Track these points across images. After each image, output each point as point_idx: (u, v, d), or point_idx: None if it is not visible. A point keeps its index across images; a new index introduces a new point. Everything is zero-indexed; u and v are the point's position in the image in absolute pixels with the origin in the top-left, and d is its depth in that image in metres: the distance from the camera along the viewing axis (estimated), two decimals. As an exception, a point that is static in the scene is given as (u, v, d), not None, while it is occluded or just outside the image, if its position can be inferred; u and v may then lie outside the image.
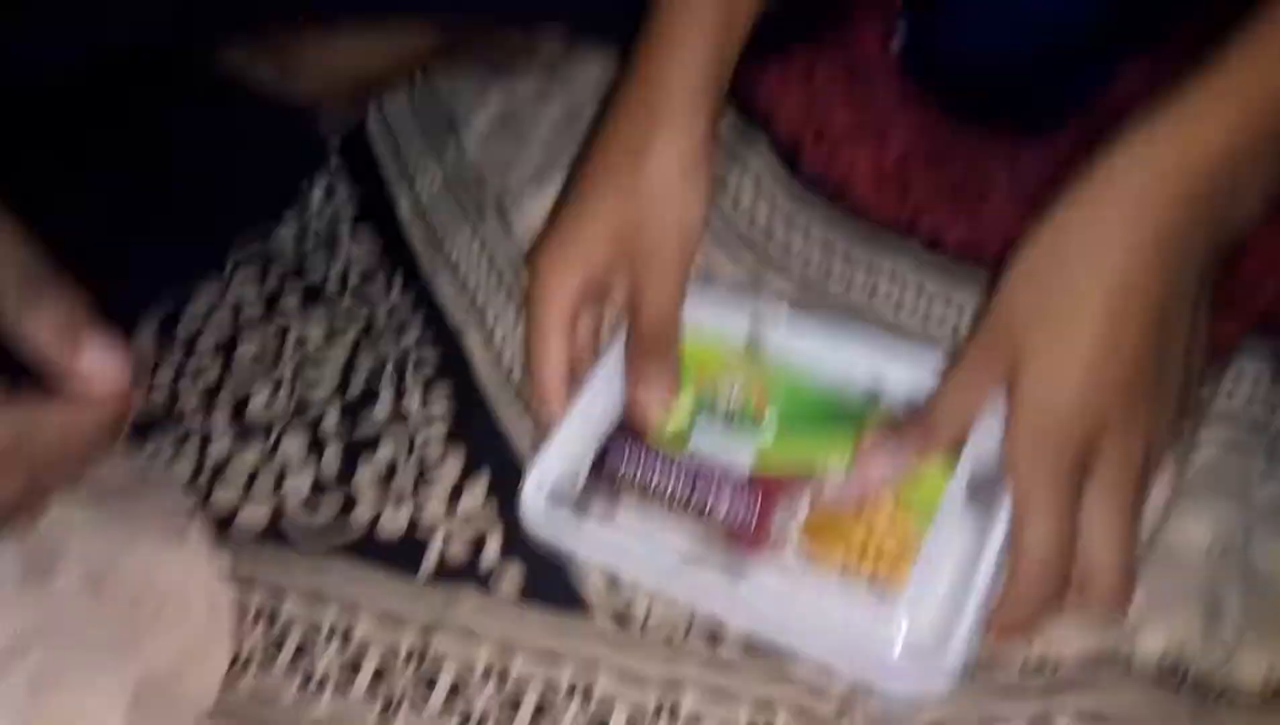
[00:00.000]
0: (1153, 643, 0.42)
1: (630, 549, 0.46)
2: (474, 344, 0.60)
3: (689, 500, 0.46)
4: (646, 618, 0.47)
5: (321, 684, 0.47)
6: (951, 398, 0.43)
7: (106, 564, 0.45)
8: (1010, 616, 0.41)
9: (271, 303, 0.64)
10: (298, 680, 0.48)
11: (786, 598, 0.42)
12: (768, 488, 0.45)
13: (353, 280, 0.65)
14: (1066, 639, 0.43)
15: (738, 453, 0.46)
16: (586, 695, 0.46)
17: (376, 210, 0.69)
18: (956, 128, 0.63)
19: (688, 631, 0.47)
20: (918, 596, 0.40)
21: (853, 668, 0.42)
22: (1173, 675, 0.41)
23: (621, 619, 0.48)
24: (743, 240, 0.62)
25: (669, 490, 0.46)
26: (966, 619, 0.40)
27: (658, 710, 0.44)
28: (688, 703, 0.44)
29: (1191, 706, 0.40)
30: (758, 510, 0.44)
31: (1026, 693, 0.42)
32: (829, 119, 0.64)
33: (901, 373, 0.47)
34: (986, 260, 0.56)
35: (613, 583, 0.48)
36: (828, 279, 0.60)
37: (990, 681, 0.42)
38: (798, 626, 0.43)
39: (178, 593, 0.46)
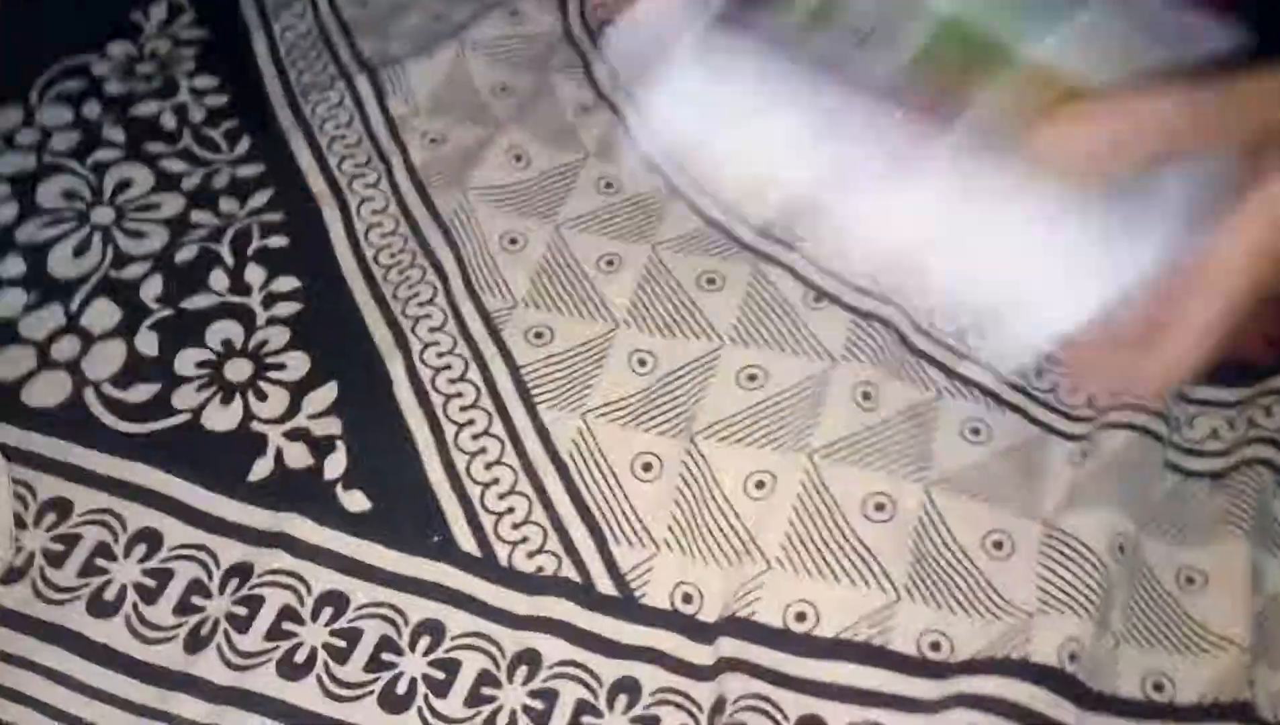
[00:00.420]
0: (1049, 641, 0.40)
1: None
2: (332, 220, 0.52)
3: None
4: (511, 554, 0.42)
5: (118, 600, 0.40)
6: None
7: None
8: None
9: (90, 134, 0.54)
10: (88, 594, 0.40)
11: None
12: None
13: (194, 119, 0.55)
14: (967, 638, 0.41)
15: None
16: (436, 636, 0.40)
17: (226, 44, 0.59)
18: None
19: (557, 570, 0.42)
20: None
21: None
22: (1061, 673, 0.40)
23: (485, 551, 0.42)
24: None
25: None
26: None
27: (517, 658, 0.40)
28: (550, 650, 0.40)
29: (1079, 707, 0.39)
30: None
31: (925, 670, 0.40)
32: None
33: None
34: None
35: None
36: None
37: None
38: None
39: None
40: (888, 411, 0.46)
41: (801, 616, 0.41)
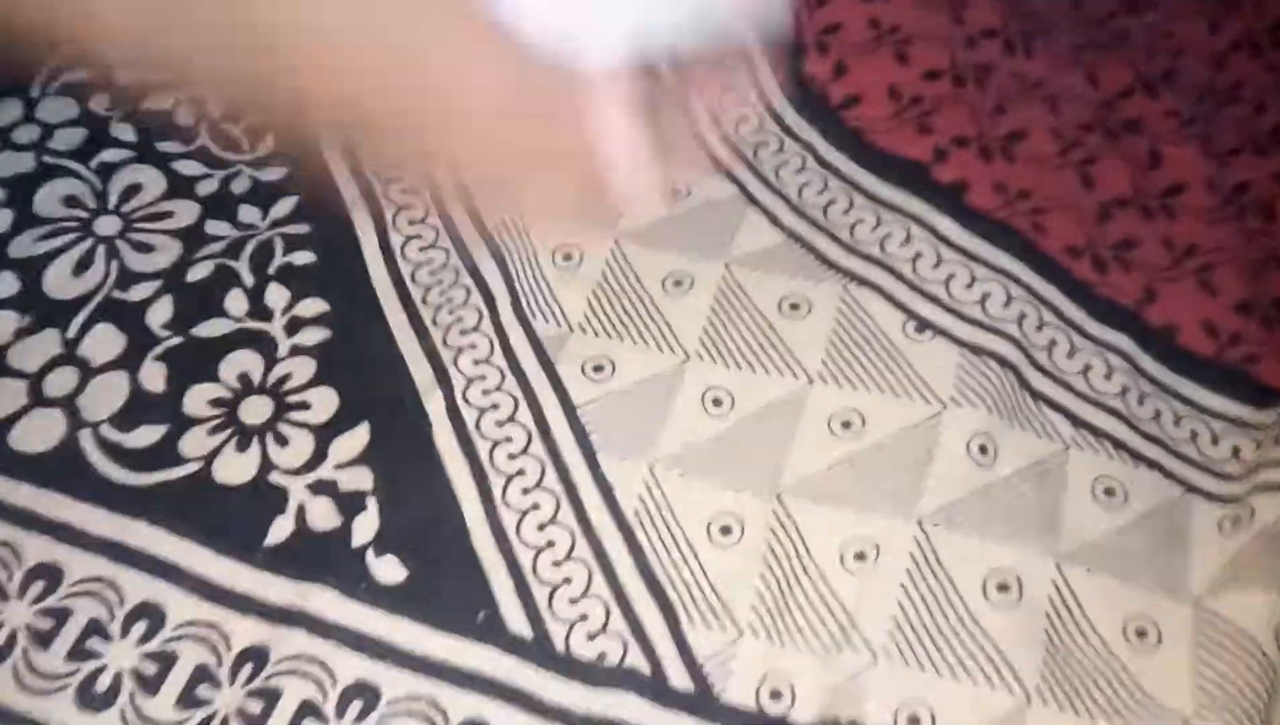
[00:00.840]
0: None
1: None
2: (365, 231, 0.46)
3: None
4: (568, 635, 0.36)
5: (112, 691, 0.34)
6: None
7: None
8: None
9: (96, 132, 0.48)
10: (77, 682, 0.35)
11: None
12: None
13: (211, 113, 0.49)
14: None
15: None
16: (478, 736, 0.34)
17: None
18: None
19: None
20: None
21: None
22: None
23: (538, 631, 0.36)
24: None
25: None
26: None
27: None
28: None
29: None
30: None
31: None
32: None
33: None
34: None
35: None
36: None
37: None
38: None
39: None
40: (1008, 468, 0.40)
41: (915, 720, 0.35)
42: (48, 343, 0.41)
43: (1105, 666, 0.36)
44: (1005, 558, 0.37)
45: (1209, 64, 0.56)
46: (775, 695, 0.35)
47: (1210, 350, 0.45)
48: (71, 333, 0.41)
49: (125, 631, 0.35)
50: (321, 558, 0.37)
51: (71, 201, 0.46)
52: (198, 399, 0.40)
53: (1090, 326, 0.45)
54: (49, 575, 0.36)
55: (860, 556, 0.37)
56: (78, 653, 0.35)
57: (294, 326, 0.43)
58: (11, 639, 0.35)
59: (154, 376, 0.41)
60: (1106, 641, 0.36)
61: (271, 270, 0.44)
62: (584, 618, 0.37)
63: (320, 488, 0.38)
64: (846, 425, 0.41)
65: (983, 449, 0.40)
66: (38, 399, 0.40)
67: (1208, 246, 0.48)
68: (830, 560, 0.38)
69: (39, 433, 0.39)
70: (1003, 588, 0.37)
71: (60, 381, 0.40)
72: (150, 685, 0.35)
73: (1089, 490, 0.40)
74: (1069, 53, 0.55)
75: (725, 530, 0.38)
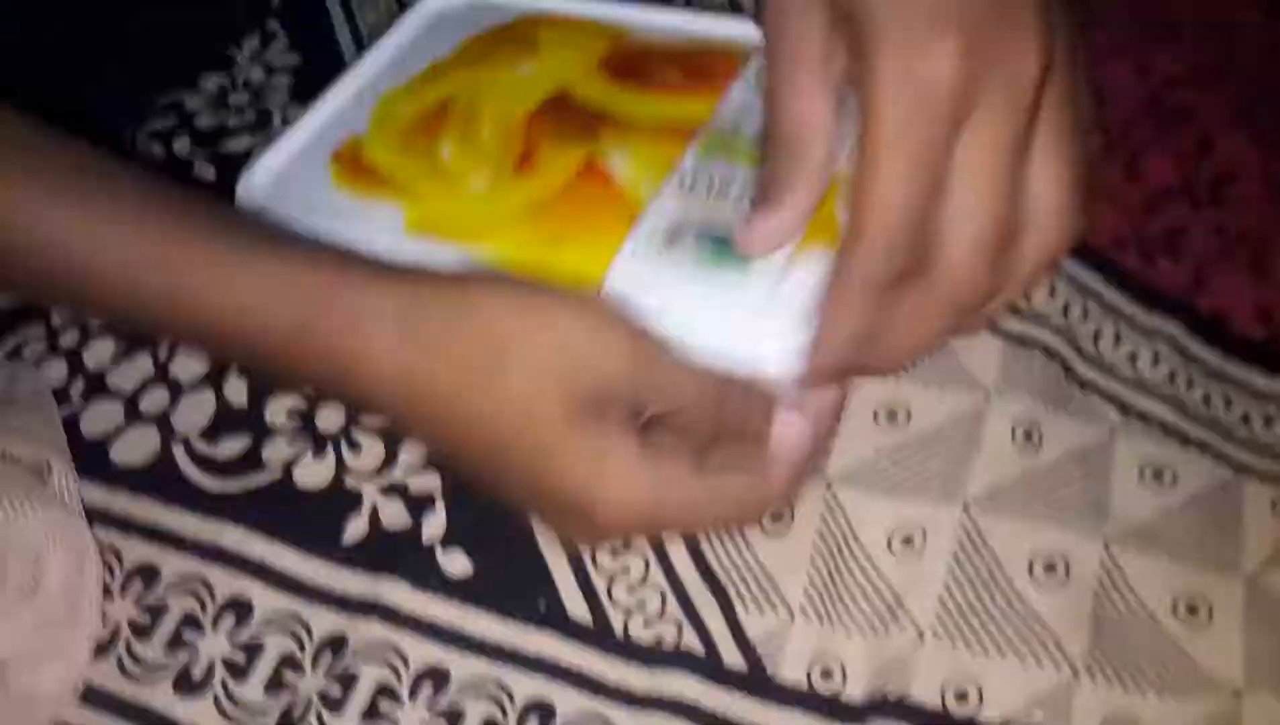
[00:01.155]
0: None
1: None
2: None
3: None
4: (626, 622, 0.38)
5: (206, 678, 0.37)
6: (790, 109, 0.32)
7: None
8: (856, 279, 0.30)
9: (180, 172, 0.52)
10: (175, 670, 0.37)
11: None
12: None
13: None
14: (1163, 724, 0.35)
15: None
16: (545, 717, 0.36)
17: (319, 70, 0.56)
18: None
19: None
20: None
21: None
22: None
23: (598, 619, 0.38)
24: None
25: None
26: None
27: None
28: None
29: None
30: None
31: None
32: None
33: None
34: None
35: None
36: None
37: None
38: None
39: (29, 557, 0.35)
40: (1054, 453, 0.40)
41: (963, 696, 0.36)
42: (141, 365, 0.45)
43: (1155, 642, 0.36)
44: (1052, 539, 0.38)
45: (1262, 53, 0.56)
46: (826, 674, 0.36)
47: (1262, 334, 0.45)
48: (162, 355, 0.45)
49: (216, 624, 0.38)
50: (394, 553, 0.39)
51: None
52: (277, 410, 0.43)
53: (1138, 315, 0.45)
54: (147, 575, 0.39)
55: (907, 541, 0.39)
56: (175, 642, 0.38)
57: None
58: (115, 632, 0.38)
59: (237, 391, 0.44)
60: (1156, 618, 0.37)
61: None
62: (641, 605, 0.38)
63: (392, 489, 0.41)
64: (892, 416, 0.42)
65: (1028, 435, 0.41)
66: (134, 416, 0.43)
67: (1260, 233, 0.48)
68: (878, 545, 0.39)
69: (136, 447, 0.42)
70: (1050, 568, 0.38)
71: (154, 400, 0.44)
72: (240, 672, 0.37)
73: (1137, 473, 0.40)
74: (1118, 43, 0.56)
75: (776, 517, 0.40)
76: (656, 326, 0.32)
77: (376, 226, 0.37)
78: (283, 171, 0.40)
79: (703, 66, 0.42)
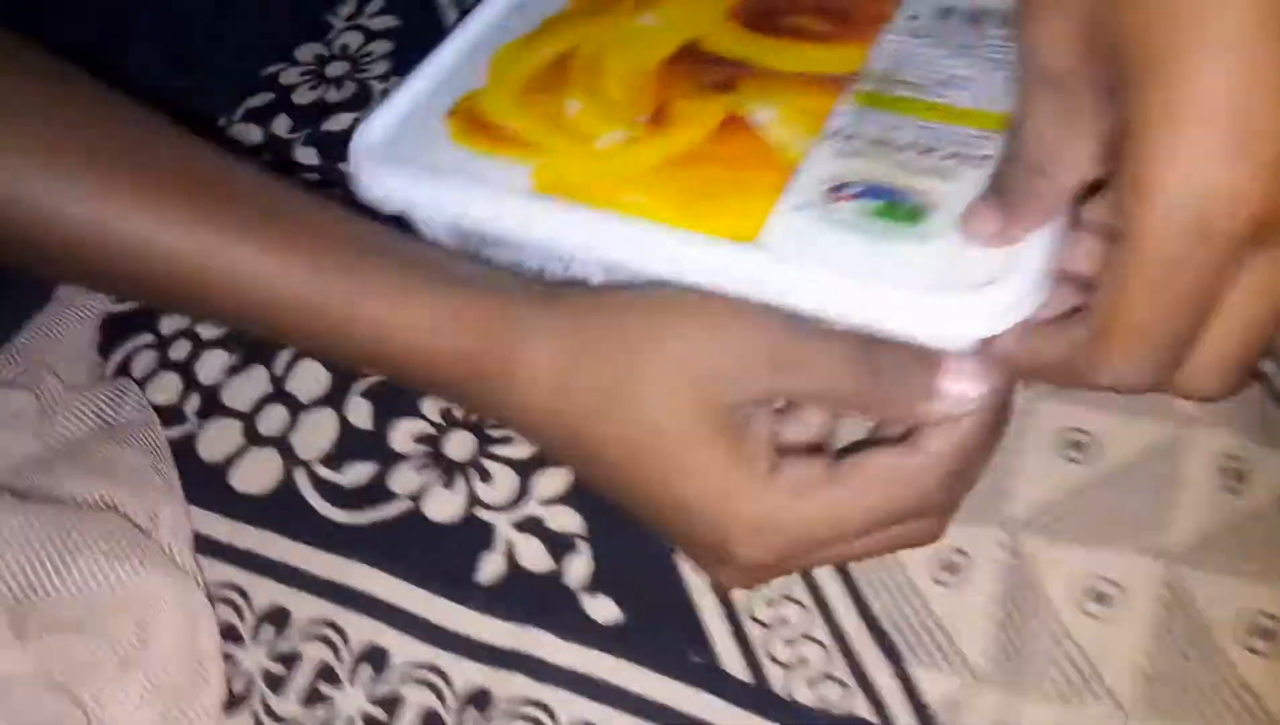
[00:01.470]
0: None
1: None
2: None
3: None
4: (787, 680, 0.35)
5: (346, 736, 0.35)
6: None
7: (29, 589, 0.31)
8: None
9: (281, 156, 0.49)
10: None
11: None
12: None
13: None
14: None
15: None
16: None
17: (419, 32, 0.52)
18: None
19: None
20: None
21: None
22: None
23: (756, 675, 0.35)
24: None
25: None
26: None
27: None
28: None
29: None
30: None
31: None
32: None
33: None
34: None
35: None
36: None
37: None
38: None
39: (132, 621, 0.33)
40: (1264, 496, 0.36)
41: (1168, 781, 0.32)
42: (257, 380, 0.42)
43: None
44: (1264, 600, 0.34)
45: None
46: (1012, 746, 0.33)
47: None
48: (278, 370, 0.42)
49: (353, 677, 0.36)
50: (536, 598, 0.37)
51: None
52: (403, 434, 0.40)
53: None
54: (277, 619, 0.37)
55: (1101, 598, 0.35)
56: (311, 696, 0.36)
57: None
58: (249, 685, 0.36)
59: (360, 412, 0.41)
60: (1384, 691, 0.33)
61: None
62: (803, 661, 0.36)
63: (527, 526, 0.38)
64: (1077, 446, 0.38)
65: (1237, 475, 0.36)
66: (253, 437, 0.41)
67: None
68: (1068, 602, 0.35)
69: (257, 472, 0.40)
70: (1266, 634, 0.34)
71: (273, 419, 0.41)
72: (382, 731, 0.35)
73: (1361, 517, 0.36)
74: None
75: (950, 567, 0.36)
76: (792, 309, 0.31)
77: (503, 185, 0.36)
78: (398, 128, 0.39)
79: (845, 12, 0.40)
